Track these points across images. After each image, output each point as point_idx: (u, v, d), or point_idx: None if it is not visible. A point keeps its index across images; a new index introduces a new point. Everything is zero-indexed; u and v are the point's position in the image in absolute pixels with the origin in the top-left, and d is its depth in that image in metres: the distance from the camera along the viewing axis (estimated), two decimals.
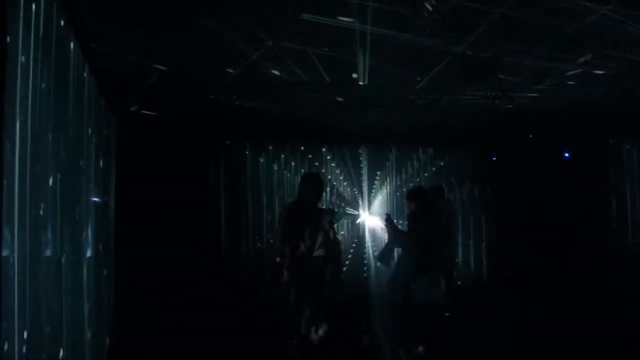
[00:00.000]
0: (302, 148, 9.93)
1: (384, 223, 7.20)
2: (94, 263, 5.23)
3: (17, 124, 2.73)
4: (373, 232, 10.23)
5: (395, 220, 8.89)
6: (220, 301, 8.42)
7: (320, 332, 5.89)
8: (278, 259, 5.95)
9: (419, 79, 6.15)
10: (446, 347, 6.39)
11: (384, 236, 9.95)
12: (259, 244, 9.12)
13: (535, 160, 10.11)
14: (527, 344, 6.63)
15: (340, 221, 9.63)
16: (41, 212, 3.24)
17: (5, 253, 2.58)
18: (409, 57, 5.50)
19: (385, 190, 10.42)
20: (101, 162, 5.93)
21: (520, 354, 6.36)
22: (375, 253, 8.02)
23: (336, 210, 7.93)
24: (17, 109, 2.72)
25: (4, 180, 2.54)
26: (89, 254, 4.95)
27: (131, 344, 6.65)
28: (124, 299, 7.26)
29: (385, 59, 5.52)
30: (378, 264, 8.00)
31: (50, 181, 3.49)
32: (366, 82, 6.15)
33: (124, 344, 6.63)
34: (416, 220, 6.75)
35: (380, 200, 10.37)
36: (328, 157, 10.15)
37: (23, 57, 2.84)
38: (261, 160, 9.73)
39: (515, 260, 9.89)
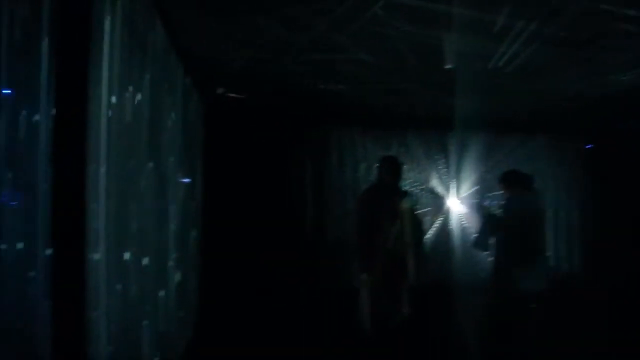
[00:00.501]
0: (386, 133, 9.85)
1: (478, 208, 7.00)
2: (181, 242, 5.40)
3: (106, 105, 2.83)
4: (460, 219, 10.05)
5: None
6: (303, 283, 8.52)
7: (401, 317, 5.85)
8: (358, 243, 5.95)
9: (506, 62, 5.96)
10: (540, 340, 6.16)
11: (469, 223, 9.78)
12: (341, 228, 9.13)
13: (636, 149, 9.60)
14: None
15: (421, 205, 9.49)
16: (132, 193, 3.35)
17: (96, 225, 2.67)
18: (498, 39, 5.33)
19: (472, 177, 10.20)
20: (189, 144, 6.08)
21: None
22: (471, 237, 7.80)
23: (414, 194, 7.81)
24: (105, 90, 2.81)
25: (97, 162, 2.63)
26: (174, 232, 5.10)
27: (215, 320, 6.83)
28: (209, 280, 7.45)
29: (474, 41, 5.38)
30: (474, 250, 7.80)
31: (141, 161, 3.61)
32: (453, 66, 6.02)
33: (209, 321, 6.82)
34: (512, 207, 6.49)
35: (467, 186, 10.16)
36: (412, 143, 10.03)
37: (111, 42, 2.93)
38: (345, 144, 9.72)
39: (607, 256, 9.49)
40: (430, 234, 9.82)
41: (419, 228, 6.17)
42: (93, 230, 2.61)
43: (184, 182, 5.91)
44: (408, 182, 9.46)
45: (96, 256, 2.69)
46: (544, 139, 10.38)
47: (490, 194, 9.62)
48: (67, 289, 2.36)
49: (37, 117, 2.43)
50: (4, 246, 2.23)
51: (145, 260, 3.74)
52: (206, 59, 6.12)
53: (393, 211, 5.86)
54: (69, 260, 2.38)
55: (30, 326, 2.34)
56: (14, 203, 2.47)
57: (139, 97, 3.50)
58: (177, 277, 5.16)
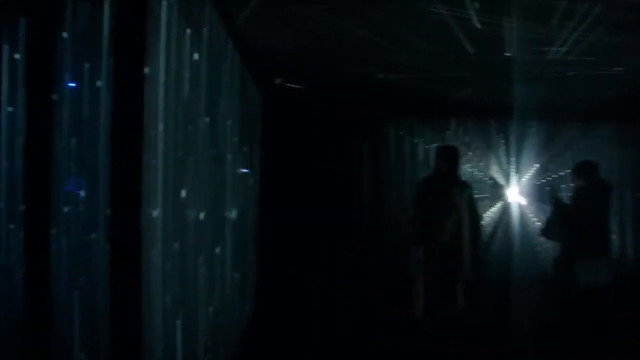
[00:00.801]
0: (444, 122, 9.73)
1: (550, 196, 6.82)
2: (239, 230, 5.48)
3: (163, 94, 2.89)
4: (520, 210, 9.86)
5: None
6: (358, 272, 8.52)
7: (455, 310, 5.80)
8: (414, 234, 5.92)
9: (568, 48, 5.81)
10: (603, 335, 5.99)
11: (534, 212, 9.59)
12: (398, 218, 9.08)
13: None
14: None
15: (479, 195, 9.35)
16: (192, 183, 3.43)
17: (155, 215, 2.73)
18: (560, 24, 5.20)
19: (533, 166, 9.99)
20: (246, 134, 6.15)
21: None
22: (539, 226, 7.58)
23: (473, 184, 7.68)
24: (162, 79, 2.87)
25: (155, 156, 2.69)
26: (233, 220, 5.19)
27: (271, 308, 6.91)
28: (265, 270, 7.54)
29: (534, 27, 5.26)
30: (535, 241, 7.62)
31: (200, 152, 3.69)
32: (513, 53, 5.90)
33: (265, 309, 6.90)
34: (585, 197, 6.32)
35: (528, 176, 9.96)
36: (471, 132, 9.88)
37: (170, 32, 2.99)
38: (403, 134, 9.66)
39: None
40: (488, 224, 9.67)
41: (476, 219, 6.10)
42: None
43: (242, 172, 5.98)
44: (466, 171, 9.33)
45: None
46: (607, 127, 10.07)
47: (557, 184, 9.40)
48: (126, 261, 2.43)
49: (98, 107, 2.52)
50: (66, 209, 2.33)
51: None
52: (263, 49, 6.17)
53: (450, 202, 5.81)
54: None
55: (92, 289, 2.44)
56: (79, 191, 2.57)
57: (196, 87, 3.55)
58: (233, 270, 5.25)
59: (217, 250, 4.40)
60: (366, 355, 5.54)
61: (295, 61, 6.70)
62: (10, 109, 2.44)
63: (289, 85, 7.92)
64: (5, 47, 2.48)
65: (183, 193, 3.23)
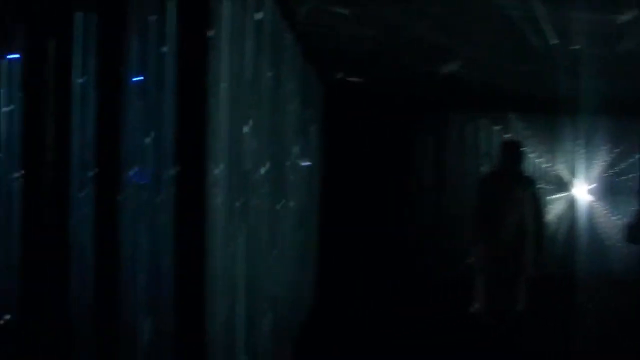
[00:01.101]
0: (507, 116, 9.57)
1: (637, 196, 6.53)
2: (300, 222, 5.56)
3: (226, 87, 2.95)
4: (586, 205, 9.62)
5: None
6: (419, 267, 8.49)
7: (518, 306, 5.72)
8: (476, 230, 5.86)
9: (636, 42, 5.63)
10: None
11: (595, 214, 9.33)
12: (460, 214, 8.99)
13: None
14: None
15: (544, 192, 9.16)
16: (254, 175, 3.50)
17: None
18: (628, 16, 5.04)
19: (600, 162, 9.72)
20: (308, 127, 6.20)
21: None
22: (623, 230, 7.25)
23: (537, 180, 7.51)
24: (225, 73, 2.93)
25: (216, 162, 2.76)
26: (295, 213, 5.26)
27: (332, 299, 6.95)
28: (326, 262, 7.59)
29: (601, 19, 5.12)
30: (600, 241, 7.36)
31: (262, 144, 3.75)
32: (580, 46, 5.76)
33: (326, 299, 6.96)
34: None
35: (595, 172, 9.70)
36: (536, 127, 9.69)
37: (233, 27, 3.05)
38: (465, 128, 9.55)
39: None
40: (553, 220, 9.47)
41: (540, 215, 5.98)
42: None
43: (304, 165, 6.04)
44: (530, 167, 9.16)
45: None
46: None
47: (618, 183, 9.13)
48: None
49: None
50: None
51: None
52: (325, 43, 6.20)
53: (513, 198, 5.72)
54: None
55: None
56: (145, 181, 2.67)
57: (258, 80, 3.61)
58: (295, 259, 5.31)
59: (282, 242, 4.48)
60: (427, 350, 5.53)
61: (357, 55, 6.70)
62: (80, 79, 2.54)
63: (350, 79, 7.94)
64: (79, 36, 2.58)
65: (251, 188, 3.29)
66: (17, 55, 2.61)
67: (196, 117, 2.49)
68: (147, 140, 2.55)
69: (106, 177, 2.49)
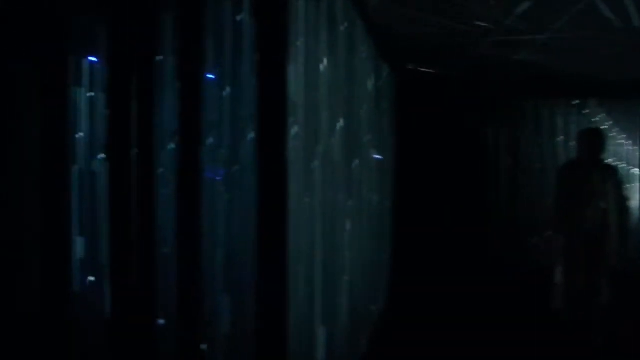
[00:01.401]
0: (588, 104, 9.25)
1: None
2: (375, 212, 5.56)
3: (301, 82, 2.96)
4: None
5: None
6: (494, 261, 8.34)
7: (600, 300, 5.53)
8: (555, 222, 5.70)
9: None
10: None
11: None
12: (537, 205, 8.78)
13: None
14: None
15: (628, 182, 8.82)
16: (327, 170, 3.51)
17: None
18: None
19: None
20: (380, 119, 6.16)
21: None
22: None
23: (620, 169, 7.24)
24: (301, 67, 2.94)
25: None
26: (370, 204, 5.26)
27: (405, 295, 6.91)
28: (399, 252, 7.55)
29: None
30: None
31: (334, 135, 3.76)
32: None
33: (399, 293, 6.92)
34: None
35: None
36: (617, 114, 9.34)
37: (308, 22, 3.06)
38: (542, 117, 9.29)
39: None
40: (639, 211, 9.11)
41: (624, 205, 5.76)
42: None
43: (377, 157, 6.01)
44: (612, 156, 8.83)
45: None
46: None
47: None
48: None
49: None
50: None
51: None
52: (396, 33, 6.14)
53: (594, 188, 5.54)
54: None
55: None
56: (219, 178, 2.71)
57: (331, 72, 3.61)
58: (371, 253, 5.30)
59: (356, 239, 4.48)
60: (503, 346, 5.41)
61: (429, 45, 6.62)
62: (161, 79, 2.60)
63: (422, 69, 7.85)
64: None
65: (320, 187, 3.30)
66: (95, 59, 2.67)
67: (277, 111, 2.51)
68: (227, 137, 2.59)
69: (187, 174, 2.55)
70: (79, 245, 2.62)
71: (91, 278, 2.59)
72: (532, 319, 5.98)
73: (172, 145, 2.62)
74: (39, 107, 2.65)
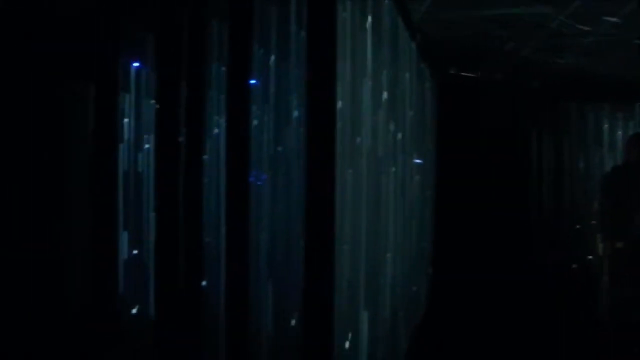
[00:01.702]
0: (634, 108, 9.06)
1: None
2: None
3: (348, 88, 2.97)
4: None
5: None
6: (539, 265, 8.22)
7: None
8: (602, 227, 5.61)
9: None
10: None
11: None
12: (582, 210, 8.63)
13: None
14: None
15: None
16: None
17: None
18: None
19: None
20: (422, 123, 6.15)
21: None
22: None
23: None
24: (349, 74, 2.95)
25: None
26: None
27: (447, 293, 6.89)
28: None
29: None
30: None
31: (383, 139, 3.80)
32: None
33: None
34: None
35: None
36: None
37: (354, 27, 3.08)
38: (587, 121, 9.13)
39: None
40: None
41: None
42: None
43: (418, 162, 6.02)
44: None
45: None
46: None
47: None
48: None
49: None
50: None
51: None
52: (439, 38, 6.12)
53: None
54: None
55: None
56: (259, 182, 2.74)
57: (376, 76, 3.63)
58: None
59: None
60: (546, 354, 5.33)
61: (470, 49, 6.58)
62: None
63: (463, 74, 7.80)
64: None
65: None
66: (138, 64, 2.72)
67: (325, 117, 2.54)
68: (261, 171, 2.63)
69: (235, 179, 2.58)
70: (124, 242, 2.68)
71: (135, 251, 2.64)
72: (575, 329, 5.88)
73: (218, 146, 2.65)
74: (89, 111, 2.70)
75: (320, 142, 2.56)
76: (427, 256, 6.83)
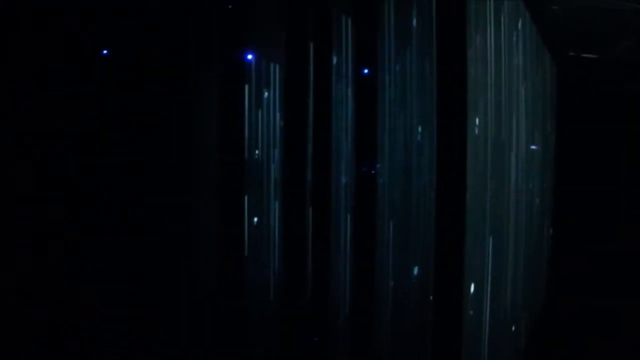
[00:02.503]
0: None
1: None
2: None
3: (474, 76, 2.93)
4: None
5: None
6: None
7: None
8: None
9: None
10: None
11: None
12: None
13: None
14: None
15: None
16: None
17: None
18: None
19: None
20: (542, 107, 6.00)
21: None
22: None
23: None
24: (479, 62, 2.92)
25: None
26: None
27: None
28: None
29: None
30: None
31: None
32: None
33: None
34: None
35: None
36: None
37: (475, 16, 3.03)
38: None
39: None
40: None
41: None
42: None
43: (534, 148, 5.87)
44: None
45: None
46: None
47: None
48: None
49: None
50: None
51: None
52: (560, 20, 5.90)
53: None
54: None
55: None
56: (372, 172, 2.77)
57: (500, 64, 3.56)
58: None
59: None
60: None
61: (590, 30, 6.29)
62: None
63: (584, 55, 7.48)
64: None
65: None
66: (251, 57, 2.79)
67: (458, 104, 2.52)
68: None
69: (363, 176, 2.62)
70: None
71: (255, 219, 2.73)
72: None
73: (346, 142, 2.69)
74: (218, 104, 2.81)
75: (451, 136, 2.53)
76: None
